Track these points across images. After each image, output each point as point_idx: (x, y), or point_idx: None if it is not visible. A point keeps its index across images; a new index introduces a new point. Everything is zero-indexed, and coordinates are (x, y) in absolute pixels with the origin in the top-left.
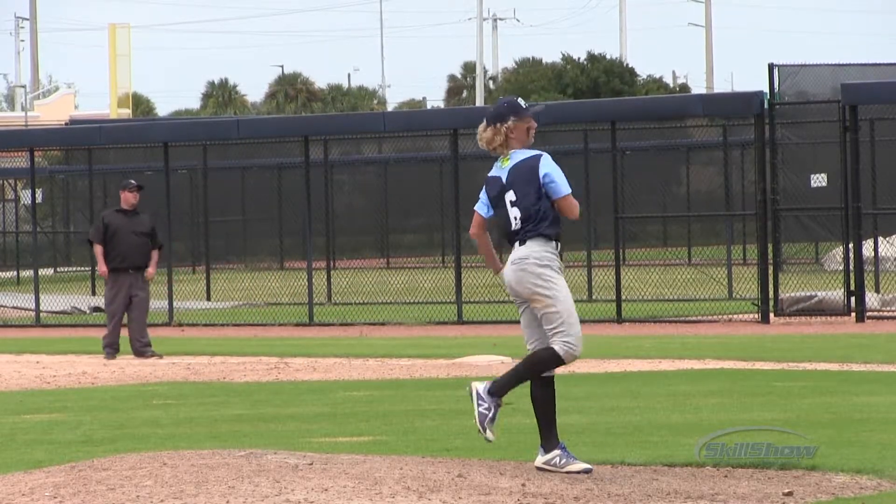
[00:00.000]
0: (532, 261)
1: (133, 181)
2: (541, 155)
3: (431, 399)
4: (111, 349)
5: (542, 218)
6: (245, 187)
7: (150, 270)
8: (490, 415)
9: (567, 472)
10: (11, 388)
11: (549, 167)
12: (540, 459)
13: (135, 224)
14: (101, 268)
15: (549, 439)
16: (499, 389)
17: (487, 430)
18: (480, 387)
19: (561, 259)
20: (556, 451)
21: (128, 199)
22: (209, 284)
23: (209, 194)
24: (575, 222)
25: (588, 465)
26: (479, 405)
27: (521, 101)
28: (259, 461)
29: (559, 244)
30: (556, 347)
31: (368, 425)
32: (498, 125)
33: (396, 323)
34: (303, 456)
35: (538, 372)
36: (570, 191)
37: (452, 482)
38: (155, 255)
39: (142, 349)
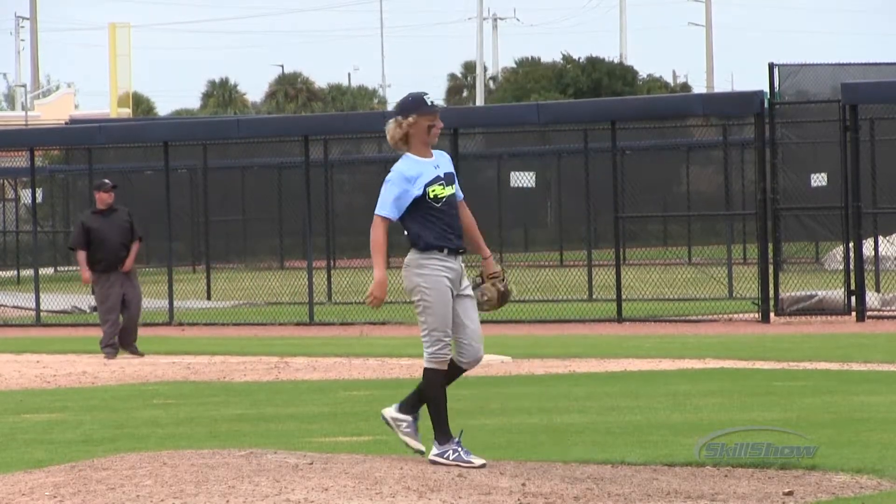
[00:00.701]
0: (408, 269)
1: (108, 181)
2: (392, 171)
3: None
4: (111, 349)
5: (407, 230)
6: (245, 187)
7: (128, 263)
8: (411, 430)
9: (460, 465)
10: (11, 388)
11: (385, 181)
12: (433, 452)
13: (114, 222)
14: (85, 274)
15: (443, 433)
16: (409, 408)
17: (411, 441)
18: (390, 411)
19: (454, 255)
20: (452, 445)
21: (103, 199)
22: (209, 284)
23: (209, 194)
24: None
25: (483, 460)
26: (397, 427)
27: (427, 97)
28: (259, 461)
29: (446, 249)
30: (425, 364)
31: (368, 425)
32: (400, 119)
33: (396, 323)
34: (303, 455)
35: (435, 389)
36: (378, 212)
37: (452, 482)
38: (134, 246)
39: (131, 346)
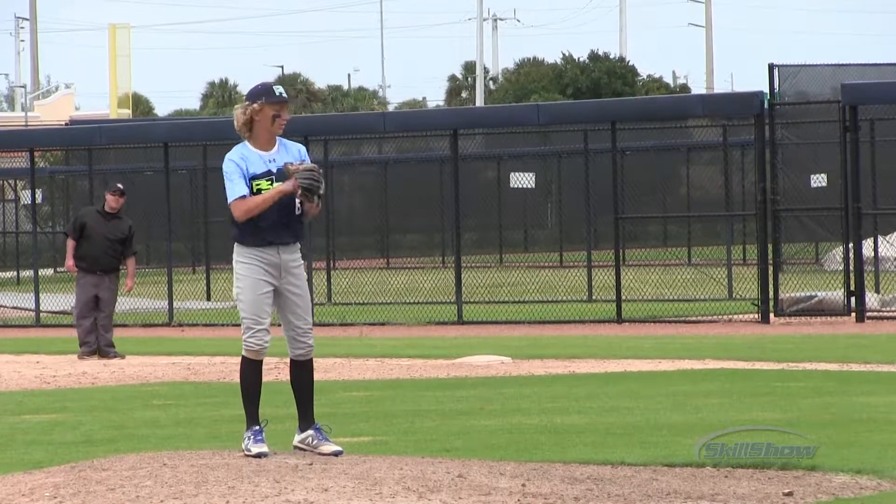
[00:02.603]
0: (233, 261)
1: (119, 185)
2: (226, 158)
3: (431, 399)
4: (87, 347)
5: (233, 221)
6: None
7: (129, 283)
8: (320, 437)
9: (320, 453)
10: (11, 389)
11: (224, 173)
12: (296, 439)
13: (111, 228)
14: (69, 261)
15: (305, 420)
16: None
17: (253, 449)
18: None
19: (275, 248)
20: (310, 432)
21: (110, 202)
22: (209, 284)
23: (209, 194)
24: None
25: (339, 448)
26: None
27: (277, 88)
28: (259, 461)
29: (263, 244)
30: (242, 349)
31: (368, 425)
32: (248, 104)
33: (396, 323)
34: (303, 456)
35: (244, 378)
36: (231, 197)
37: (452, 482)
38: (131, 264)
39: (105, 349)
